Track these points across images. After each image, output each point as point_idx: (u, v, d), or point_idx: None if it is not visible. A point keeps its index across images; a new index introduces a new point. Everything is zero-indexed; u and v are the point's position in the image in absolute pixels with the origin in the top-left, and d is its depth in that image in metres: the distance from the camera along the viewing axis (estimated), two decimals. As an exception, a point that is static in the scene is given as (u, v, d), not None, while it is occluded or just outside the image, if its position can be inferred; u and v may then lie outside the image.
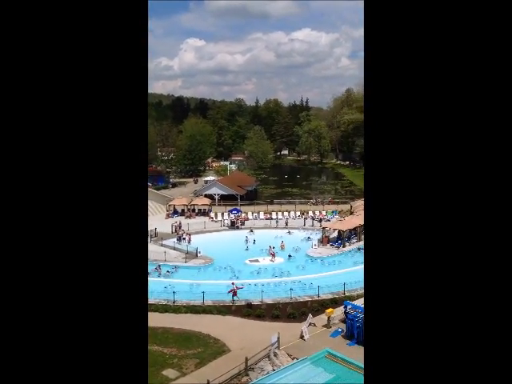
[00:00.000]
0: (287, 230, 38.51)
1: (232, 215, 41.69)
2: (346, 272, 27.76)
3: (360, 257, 30.86)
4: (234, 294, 22.67)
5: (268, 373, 16.09)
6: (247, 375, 16.35)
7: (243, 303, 22.35)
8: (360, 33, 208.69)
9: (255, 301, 22.58)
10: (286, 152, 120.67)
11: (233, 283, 23.65)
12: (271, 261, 30.54)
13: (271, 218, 42.24)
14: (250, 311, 21.65)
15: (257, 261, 30.74)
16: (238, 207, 45.97)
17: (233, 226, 39.83)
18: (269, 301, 22.61)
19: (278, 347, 17.88)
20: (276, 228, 39.49)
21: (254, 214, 43.70)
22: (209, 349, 18.07)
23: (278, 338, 17.93)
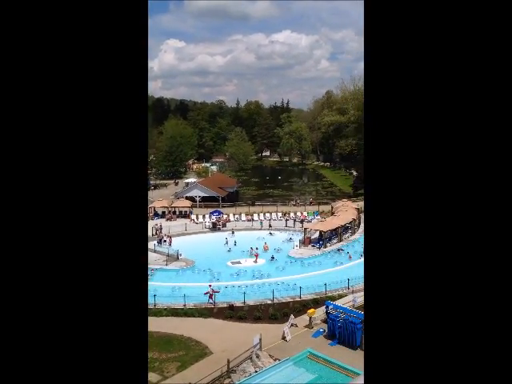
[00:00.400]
0: (269, 232, 38.56)
1: (213, 217, 41.52)
2: (328, 272, 27.97)
3: (340, 257, 31.16)
4: (210, 296, 22.58)
5: (250, 374, 16.06)
6: (229, 377, 16.28)
7: (225, 305, 22.27)
8: (339, 35, 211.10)
9: (237, 303, 22.53)
10: (267, 153, 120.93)
11: (210, 285, 23.53)
12: (255, 262, 30.52)
13: (253, 220, 42.24)
14: (232, 313, 21.58)
15: (239, 262, 30.68)
16: (220, 209, 45.82)
17: (214, 227, 39.67)
18: (251, 302, 22.59)
19: (260, 348, 17.87)
20: (258, 229, 39.48)
21: (236, 216, 43.62)
22: (190, 352, 17.93)
23: (260, 340, 17.92)
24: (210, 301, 22.46)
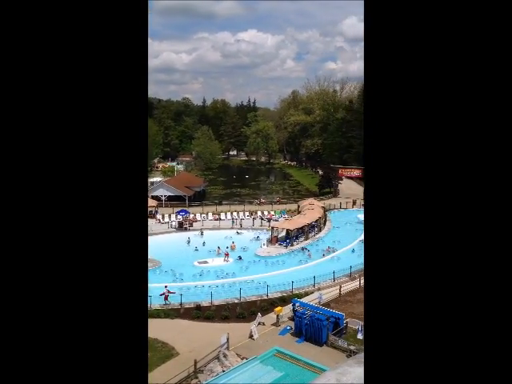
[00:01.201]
0: (236, 231, 38.56)
1: (180, 217, 41.09)
2: (295, 270, 28.26)
3: (304, 256, 31.53)
4: (166, 297, 22.38)
5: (217, 374, 16.02)
6: (196, 378, 16.19)
7: (192, 306, 22.10)
8: (304, 35, 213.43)
9: (204, 302, 22.41)
10: (234, 152, 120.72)
11: (165, 286, 23.33)
12: (225, 261, 30.47)
13: (220, 219, 42.11)
14: (199, 313, 21.45)
15: (206, 262, 30.51)
16: (186, 208, 45.40)
17: (181, 227, 39.26)
18: (218, 302, 22.53)
19: (228, 348, 17.85)
20: (225, 229, 39.39)
21: (203, 215, 43.35)
22: (157, 353, 17.68)
23: (228, 339, 17.90)
24: (166, 302, 22.31)
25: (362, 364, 3.38)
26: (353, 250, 32.95)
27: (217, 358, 17.31)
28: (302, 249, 33.11)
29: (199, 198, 54.34)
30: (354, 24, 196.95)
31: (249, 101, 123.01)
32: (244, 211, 44.82)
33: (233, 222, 40.71)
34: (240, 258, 30.96)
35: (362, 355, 3.52)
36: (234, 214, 43.58)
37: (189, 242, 35.06)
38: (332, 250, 32.59)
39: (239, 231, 38.51)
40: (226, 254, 31.06)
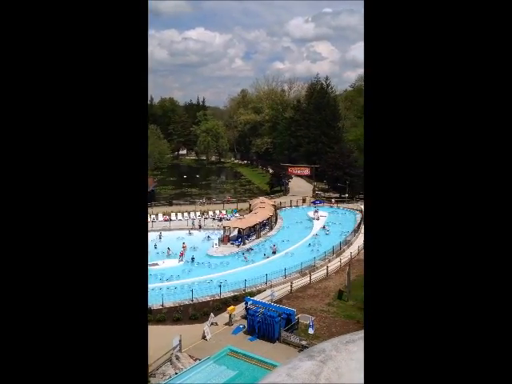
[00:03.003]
0: (187, 231, 38.07)
1: (128, 218, 39.87)
2: (246, 269, 28.39)
3: (254, 255, 31.72)
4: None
5: (170, 377, 15.78)
6: (148, 381, 15.84)
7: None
8: (252, 35, 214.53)
9: (155, 305, 21.95)
10: (183, 152, 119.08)
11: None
12: (181, 261, 30.10)
13: (170, 220, 41.41)
14: (150, 316, 20.98)
15: (156, 264, 29.90)
16: (135, 209, 44.16)
17: (130, 229, 38.14)
18: (169, 304, 22.16)
19: (180, 350, 17.62)
20: (177, 229, 38.77)
21: (153, 216, 42.43)
22: (106, 360, 17.11)
23: (180, 341, 17.67)
24: None
25: (312, 358, 3.43)
26: (309, 245, 33.91)
27: (169, 360, 17.03)
28: (247, 250, 32.91)
29: (149, 199, 53.17)
30: (300, 24, 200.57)
31: (198, 99, 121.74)
32: (195, 211, 44.35)
33: (193, 223, 40.03)
34: (193, 259, 30.60)
35: (312, 349, 3.57)
36: (192, 214, 42.93)
37: None
38: (275, 249, 32.72)
39: (190, 231, 38.04)
40: (181, 254, 30.69)
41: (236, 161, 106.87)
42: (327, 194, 53.78)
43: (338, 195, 51.75)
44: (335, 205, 47.37)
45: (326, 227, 38.95)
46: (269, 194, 56.37)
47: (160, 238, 36.11)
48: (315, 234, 37.27)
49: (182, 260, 30.28)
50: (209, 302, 22.77)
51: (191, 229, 38.70)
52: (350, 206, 46.60)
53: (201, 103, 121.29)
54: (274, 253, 31.91)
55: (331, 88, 75.83)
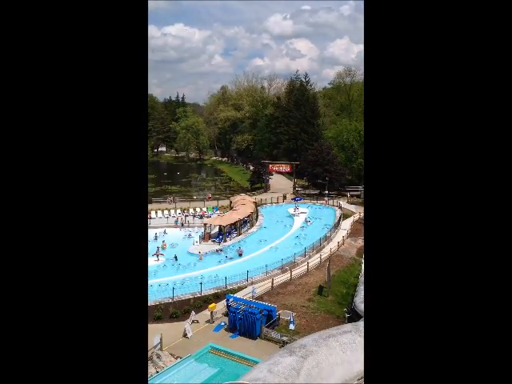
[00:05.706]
0: (163, 229, 37.54)
1: (107, 216, 39.21)
2: (228, 266, 28.34)
3: (233, 253, 31.57)
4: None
5: (151, 375, 15.65)
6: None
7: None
8: (231, 32, 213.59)
9: (135, 304, 21.74)
10: (163, 149, 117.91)
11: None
12: (156, 260, 29.68)
13: (150, 217, 40.92)
14: (131, 315, 20.79)
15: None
16: (114, 207, 43.49)
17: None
18: (150, 303, 21.96)
19: (161, 348, 17.51)
20: (154, 227, 38.37)
21: (132, 214, 41.81)
22: (85, 360, 16.88)
23: (161, 339, 17.55)
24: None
25: (293, 353, 3.47)
26: (297, 237, 33.97)
27: (150, 359, 16.89)
28: (217, 250, 32.23)
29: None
30: (279, 22, 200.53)
31: (177, 96, 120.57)
32: (175, 209, 43.98)
33: (176, 222, 39.63)
34: (176, 257, 30.21)
35: (292, 345, 3.61)
36: (172, 212, 42.41)
37: None
38: (241, 251, 31.97)
39: (166, 230, 37.41)
40: (161, 254, 30.33)
41: (216, 158, 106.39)
42: (307, 191, 54.10)
43: (317, 191, 52.11)
44: (325, 203, 47.02)
45: (308, 220, 39.64)
46: (249, 190, 56.36)
47: (156, 239, 35.54)
48: (302, 227, 37.83)
49: (158, 259, 29.88)
50: (189, 299, 22.66)
51: (167, 227, 38.14)
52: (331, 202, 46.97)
53: (180, 100, 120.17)
54: (240, 255, 31.23)
55: (310, 85, 76.23)
